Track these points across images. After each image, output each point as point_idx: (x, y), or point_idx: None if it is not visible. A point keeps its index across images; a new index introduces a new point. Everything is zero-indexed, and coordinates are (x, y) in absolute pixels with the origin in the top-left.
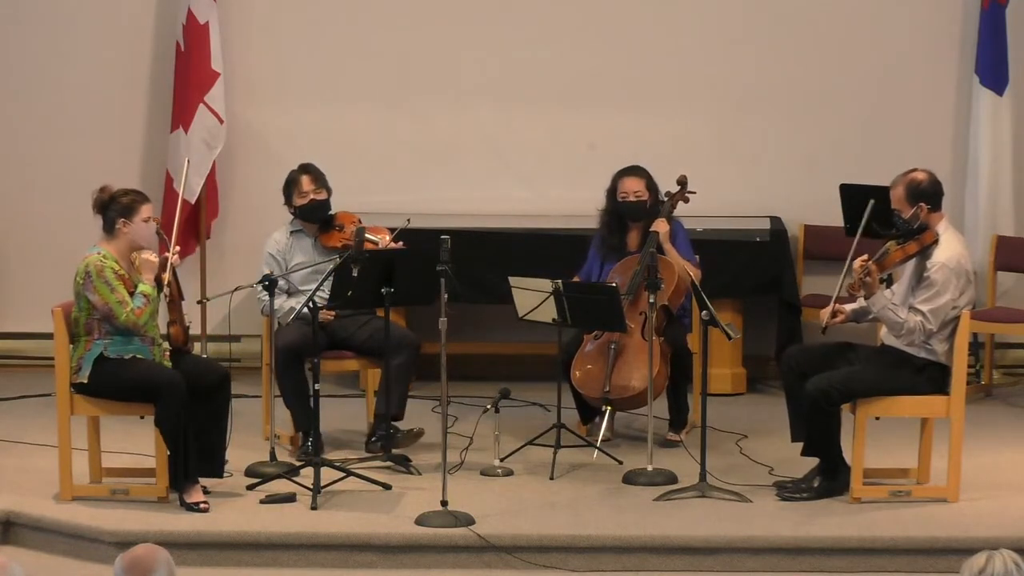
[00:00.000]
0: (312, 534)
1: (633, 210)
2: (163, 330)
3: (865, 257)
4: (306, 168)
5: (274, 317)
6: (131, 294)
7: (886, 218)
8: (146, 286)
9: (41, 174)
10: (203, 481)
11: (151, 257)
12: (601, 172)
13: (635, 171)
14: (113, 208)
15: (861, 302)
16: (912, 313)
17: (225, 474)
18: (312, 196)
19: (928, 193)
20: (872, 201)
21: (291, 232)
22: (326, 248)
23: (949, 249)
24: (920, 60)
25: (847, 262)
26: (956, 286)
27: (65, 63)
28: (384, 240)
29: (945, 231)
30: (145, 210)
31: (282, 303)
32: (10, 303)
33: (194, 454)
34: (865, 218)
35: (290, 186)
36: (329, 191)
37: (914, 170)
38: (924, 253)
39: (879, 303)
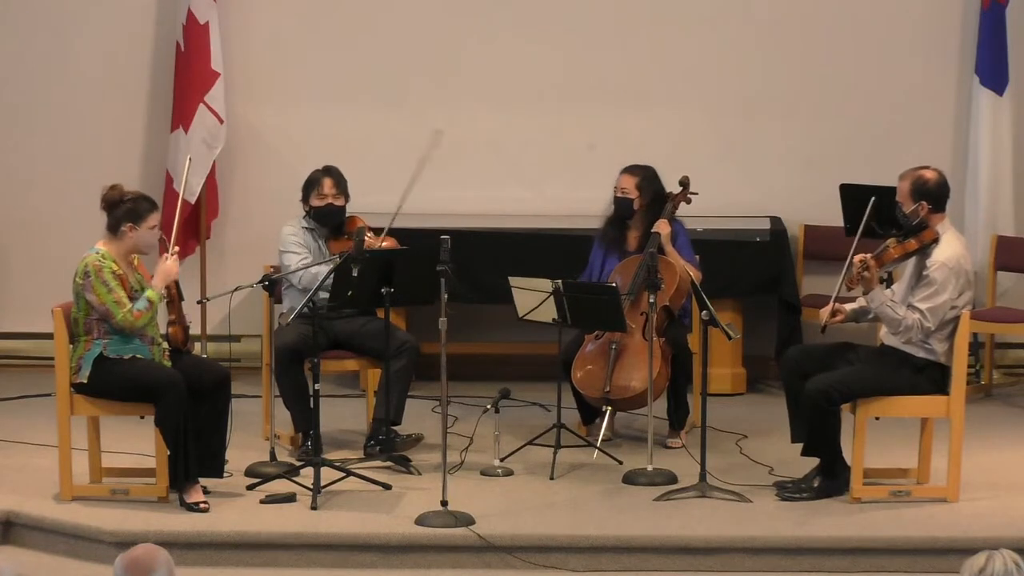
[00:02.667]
0: (312, 534)
1: (619, 206)
2: (163, 330)
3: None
4: (329, 171)
5: (316, 285)
6: (130, 295)
7: (887, 216)
8: (153, 292)
9: (41, 174)
10: (203, 481)
11: (171, 265)
12: (601, 172)
13: (630, 169)
14: (122, 210)
15: (861, 301)
16: (910, 311)
17: (225, 474)
18: (331, 200)
19: (932, 193)
20: (873, 198)
21: (304, 227)
22: (332, 254)
23: (949, 249)
24: (920, 60)
25: (847, 261)
26: (955, 286)
27: (65, 63)
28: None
29: (946, 231)
30: (153, 218)
31: (310, 268)
32: (10, 303)
33: (194, 454)
34: (865, 216)
35: (310, 186)
36: (347, 197)
37: (925, 167)
38: (924, 252)
39: (877, 300)
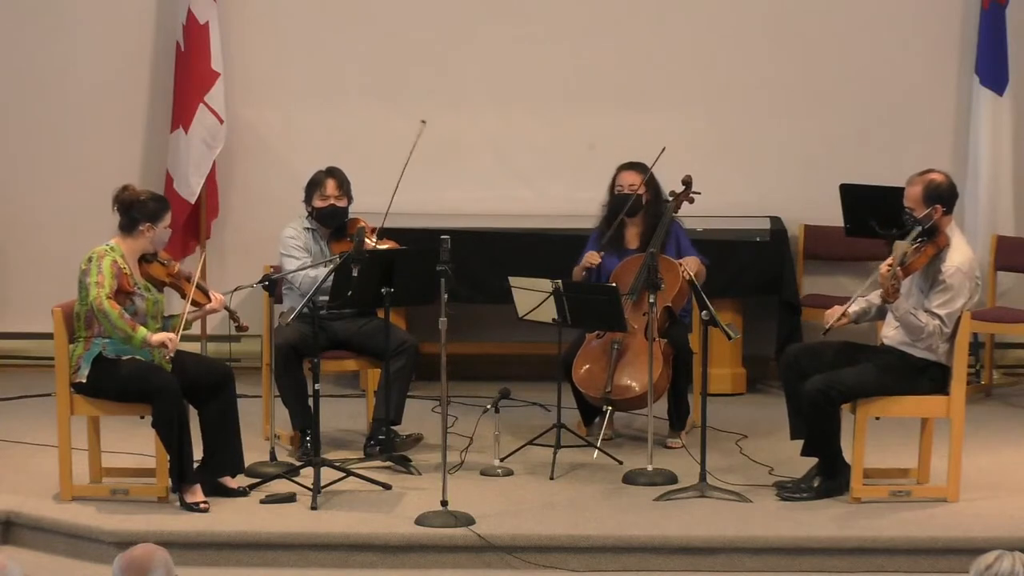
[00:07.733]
0: (312, 534)
1: (626, 202)
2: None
3: (890, 262)
4: (332, 172)
5: (314, 288)
6: (130, 292)
7: (889, 217)
8: (144, 332)
9: (41, 174)
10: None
11: (174, 339)
12: (601, 172)
13: (634, 165)
14: (140, 210)
15: (860, 303)
16: (930, 317)
17: (241, 488)
18: (333, 201)
19: (945, 196)
20: (919, 228)
21: (305, 228)
22: (334, 255)
23: (962, 253)
24: (920, 60)
25: (877, 271)
26: (969, 289)
27: (65, 63)
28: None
29: (954, 234)
30: (167, 218)
31: (308, 271)
32: (10, 303)
33: (189, 456)
34: (911, 237)
35: (313, 186)
36: (350, 199)
37: (932, 171)
38: (938, 256)
39: (901, 308)
